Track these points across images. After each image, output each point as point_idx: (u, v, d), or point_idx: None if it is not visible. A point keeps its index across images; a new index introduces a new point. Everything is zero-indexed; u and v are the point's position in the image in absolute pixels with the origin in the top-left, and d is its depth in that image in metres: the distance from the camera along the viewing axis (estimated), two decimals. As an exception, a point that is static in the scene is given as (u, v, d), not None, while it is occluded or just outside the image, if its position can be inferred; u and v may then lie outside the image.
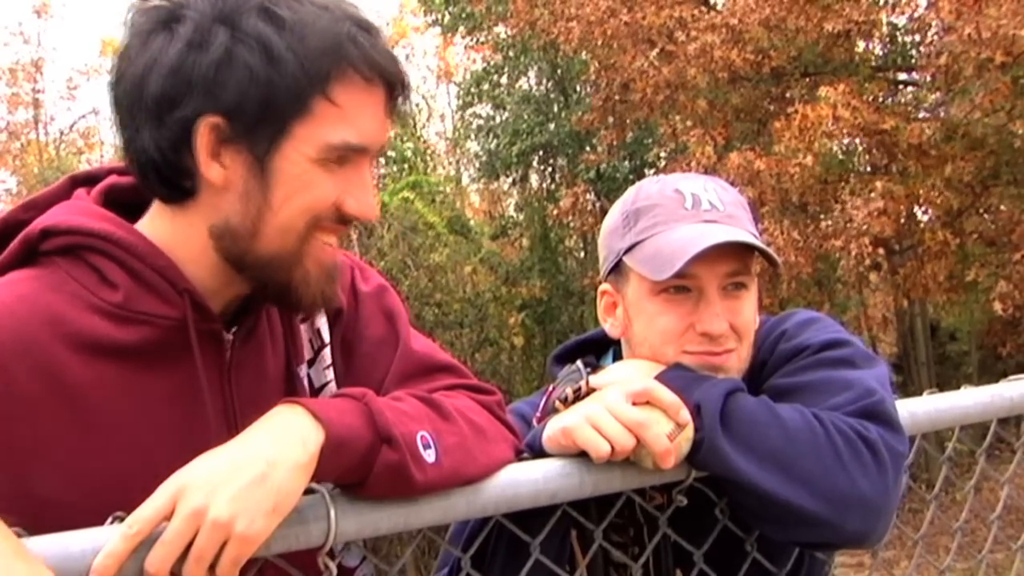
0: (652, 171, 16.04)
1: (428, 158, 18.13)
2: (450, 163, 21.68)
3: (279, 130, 1.22)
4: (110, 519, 1.06)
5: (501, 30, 17.19)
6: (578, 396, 1.52)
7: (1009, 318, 11.88)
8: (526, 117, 17.50)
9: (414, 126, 17.59)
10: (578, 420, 1.38)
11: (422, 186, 14.78)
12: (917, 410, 1.70)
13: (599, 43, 12.54)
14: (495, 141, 18.17)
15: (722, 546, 1.53)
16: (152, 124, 1.23)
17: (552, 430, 1.41)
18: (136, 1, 1.27)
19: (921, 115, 12.87)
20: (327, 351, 1.44)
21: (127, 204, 1.34)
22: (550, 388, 1.64)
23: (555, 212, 15.25)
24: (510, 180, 19.24)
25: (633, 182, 1.85)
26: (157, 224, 1.31)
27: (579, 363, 1.63)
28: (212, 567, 1.05)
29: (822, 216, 12.24)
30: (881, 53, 13.60)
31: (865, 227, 10.43)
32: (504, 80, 18.62)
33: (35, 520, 1.03)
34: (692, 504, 1.49)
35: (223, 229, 1.26)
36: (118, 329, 1.24)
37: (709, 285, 1.54)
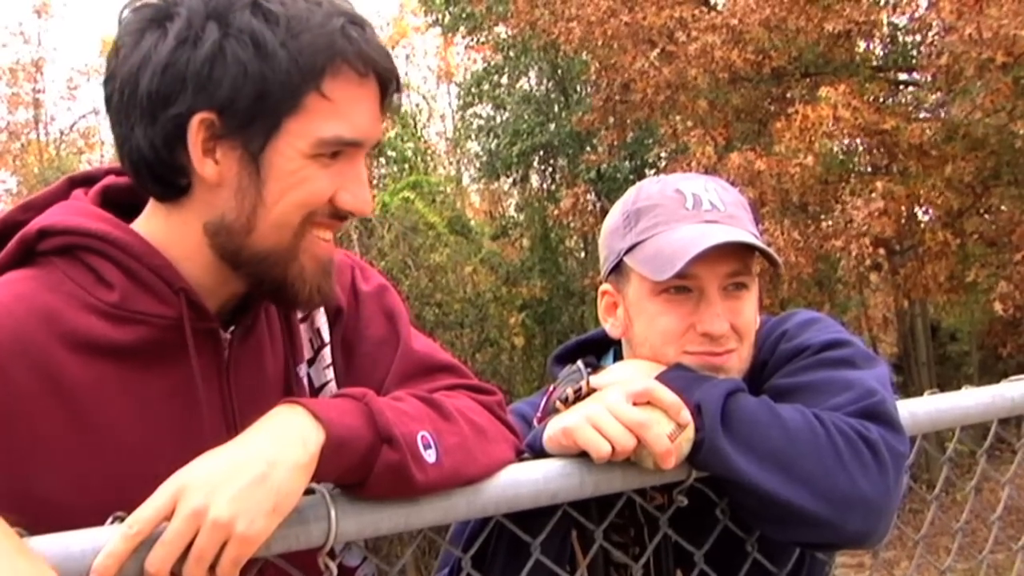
0: (653, 171, 16.05)
1: (428, 158, 18.12)
2: (451, 163, 21.69)
3: (272, 125, 1.22)
4: (110, 519, 1.05)
5: (502, 30, 17.20)
6: (579, 396, 1.52)
7: (1010, 318, 11.88)
8: (526, 117, 17.51)
9: (415, 126, 17.59)
10: (579, 420, 1.38)
11: (423, 186, 14.78)
12: (918, 410, 1.70)
13: (600, 43, 12.55)
14: (495, 141, 18.17)
15: (723, 546, 1.53)
16: (145, 122, 1.23)
17: (553, 430, 1.41)
18: None
19: (922, 115, 12.87)
20: (327, 350, 1.44)
21: (125, 204, 1.34)
22: (551, 388, 1.64)
23: (555, 212, 15.25)
24: (511, 180, 19.25)
25: (633, 182, 1.85)
26: (152, 223, 1.31)
27: (580, 363, 1.63)
28: (212, 567, 1.05)
29: (823, 216, 12.24)
30: (882, 53, 13.61)
31: (866, 227, 10.43)
32: (504, 80, 18.62)
33: (34, 520, 1.03)
34: (693, 504, 1.49)
35: (218, 226, 1.26)
36: (115, 329, 1.24)
37: (710, 285, 1.54)
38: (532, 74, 18.46)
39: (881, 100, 12.64)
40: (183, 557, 1.04)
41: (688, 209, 1.57)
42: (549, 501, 1.37)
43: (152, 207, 1.32)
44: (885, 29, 12.75)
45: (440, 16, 18.40)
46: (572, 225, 16.02)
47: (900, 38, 13.35)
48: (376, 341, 1.44)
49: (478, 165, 19.59)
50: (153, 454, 1.22)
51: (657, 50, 12.09)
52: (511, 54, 17.94)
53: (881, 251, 12.38)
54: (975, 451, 2.01)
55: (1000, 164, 11.51)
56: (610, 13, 12.13)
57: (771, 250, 1.58)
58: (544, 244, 17.01)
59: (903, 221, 12.18)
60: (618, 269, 1.63)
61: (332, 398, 1.25)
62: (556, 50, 15.33)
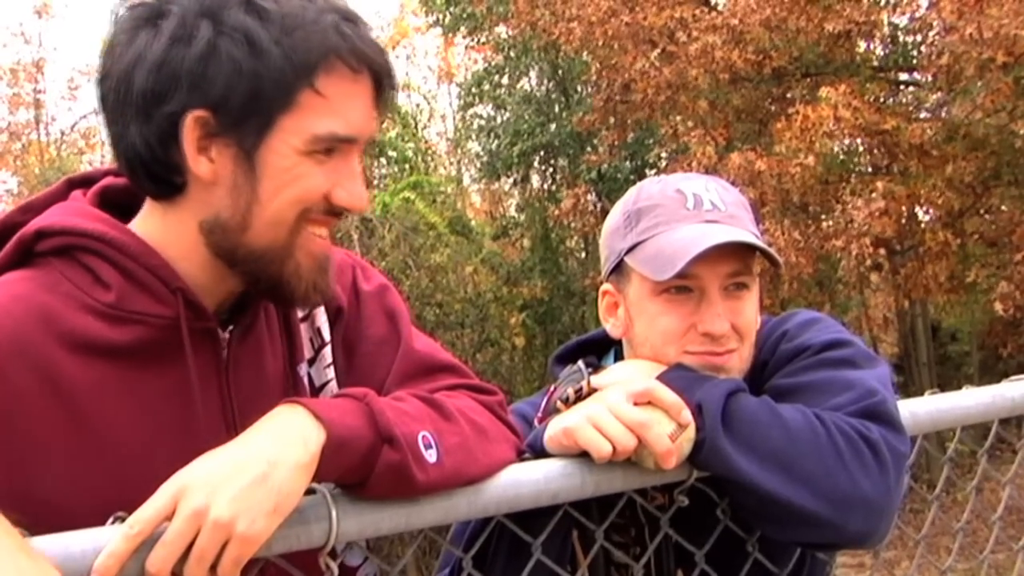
0: (653, 171, 16.04)
1: (429, 158, 18.10)
2: (451, 163, 21.67)
3: (266, 123, 1.22)
4: (111, 519, 1.06)
5: (502, 30, 17.19)
6: (579, 396, 1.52)
7: (1010, 319, 11.87)
8: (527, 118, 17.49)
9: (415, 126, 17.58)
10: (579, 420, 1.38)
11: (423, 186, 14.76)
12: (918, 410, 1.70)
13: (600, 44, 12.53)
14: (496, 141, 18.15)
15: (723, 546, 1.53)
16: (140, 120, 1.23)
17: (554, 430, 1.41)
18: None
19: (922, 115, 12.86)
20: (328, 350, 1.44)
21: (123, 205, 1.34)
22: (551, 388, 1.64)
23: (556, 213, 15.24)
24: (511, 180, 19.23)
25: (634, 183, 1.85)
26: (149, 222, 1.31)
27: (580, 363, 1.63)
28: (213, 567, 1.05)
29: (823, 216, 12.24)
30: (882, 53, 13.59)
31: (866, 227, 10.42)
32: (505, 80, 18.61)
33: (34, 521, 1.03)
34: (694, 504, 1.49)
35: (213, 224, 1.26)
36: (112, 329, 1.24)
37: (711, 285, 1.54)
38: (533, 74, 18.44)
39: (882, 100, 12.63)
40: (184, 557, 1.04)
41: (689, 209, 1.57)
42: (550, 501, 1.37)
43: (148, 207, 1.32)
44: (886, 29, 12.74)
45: (441, 16, 18.38)
46: (573, 225, 16.01)
47: (901, 38, 13.34)
48: (377, 341, 1.44)
49: (479, 165, 19.58)
50: (152, 454, 1.22)
51: (658, 50, 12.09)
52: (512, 54, 17.92)
53: (882, 251, 12.37)
54: (976, 451, 2.00)
55: (1000, 164, 11.50)
56: (611, 13, 12.12)
57: (772, 250, 1.58)
58: (545, 244, 17.00)
59: (904, 221, 12.17)
60: (619, 269, 1.63)
61: (333, 398, 1.25)
62: (557, 50, 15.33)
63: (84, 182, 1.39)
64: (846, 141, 12.56)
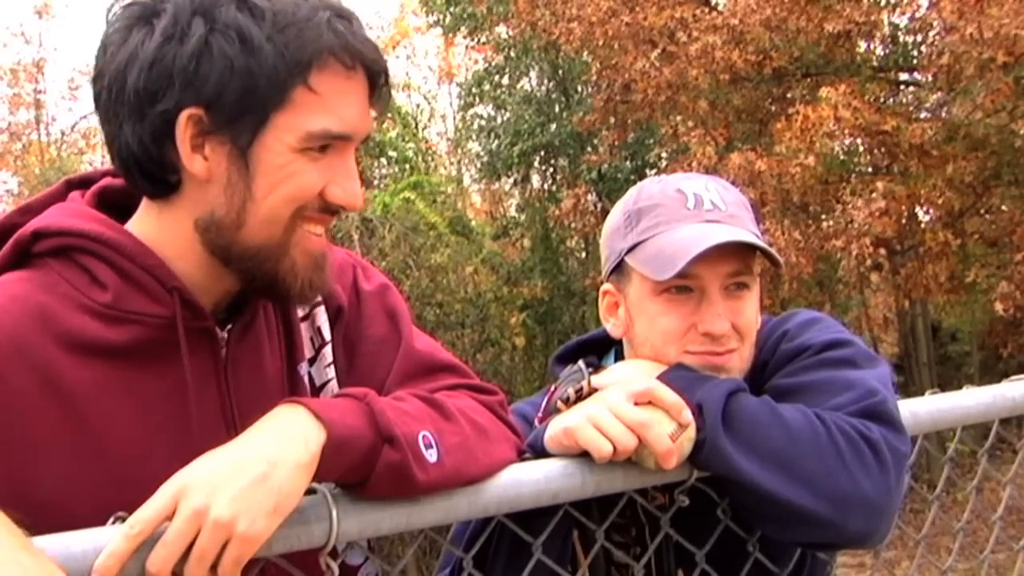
0: (653, 171, 16.03)
1: (429, 158, 18.09)
2: (451, 163, 21.66)
3: (260, 120, 1.22)
4: (112, 519, 1.06)
5: (502, 30, 17.18)
6: (580, 396, 1.52)
7: (1010, 319, 11.86)
8: (527, 118, 17.48)
9: (416, 126, 17.57)
10: (580, 420, 1.38)
11: (423, 186, 14.75)
12: (919, 410, 1.70)
13: (600, 44, 12.53)
14: (496, 141, 18.14)
15: (724, 546, 1.53)
16: (134, 119, 1.23)
17: (554, 430, 1.41)
18: None
19: (922, 115, 12.86)
20: (328, 349, 1.44)
21: (121, 206, 1.35)
22: (552, 388, 1.64)
23: (556, 213, 15.24)
24: (511, 180, 19.22)
25: (634, 183, 1.85)
26: (145, 222, 1.31)
27: (581, 363, 1.63)
28: (214, 567, 1.05)
29: (823, 216, 12.23)
30: (882, 53, 13.58)
31: (866, 227, 10.42)
32: (505, 81, 18.60)
33: (34, 521, 1.03)
34: (694, 504, 1.49)
35: (208, 222, 1.26)
36: (108, 329, 1.24)
37: (711, 285, 1.54)
38: (533, 74, 18.43)
39: (882, 100, 12.62)
40: (184, 557, 1.04)
41: (689, 209, 1.57)
42: (550, 501, 1.37)
43: (144, 206, 1.32)
44: (886, 29, 12.73)
45: (441, 16, 18.38)
46: (573, 225, 16.00)
47: (901, 38, 13.33)
48: (378, 340, 1.44)
49: (479, 165, 19.57)
50: (151, 454, 1.22)
51: (658, 50, 12.08)
52: (512, 54, 17.91)
53: (882, 251, 12.37)
54: (976, 451, 2.00)
55: (1001, 164, 11.49)
56: (611, 13, 12.12)
57: (772, 250, 1.58)
58: (545, 244, 16.99)
59: (904, 221, 12.16)
60: (619, 269, 1.63)
61: (333, 398, 1.25)
62: (557, 50, 15.32)
63: (82, 183, 1.39)
64: (846, 141, 12.55)
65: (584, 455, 1.38)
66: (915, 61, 13.04)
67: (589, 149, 15.77)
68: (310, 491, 1.14)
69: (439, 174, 18.44)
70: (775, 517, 1.43)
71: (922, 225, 12.93)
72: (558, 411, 1.50)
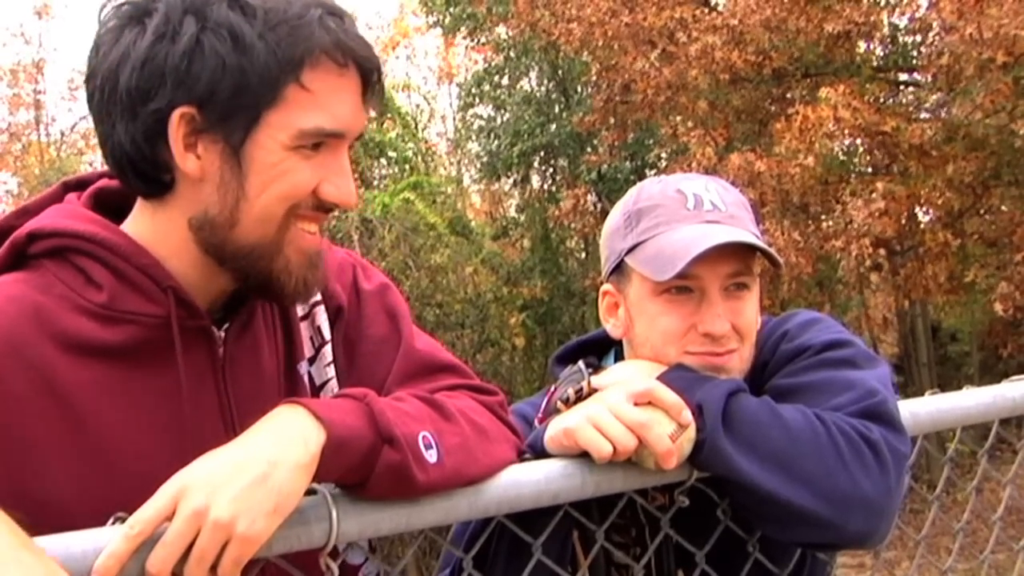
0: (653, 172, 16.03)
1: (429, 159, 18.08)
2: (451, 164, 21.66)
3: (252, 118, 1.22)
4: (112, 519, 1.06)
5: (502, 31, 17.18)
6: (580, 396, 1.52)
7: (1010, 319, 11.87)
8: (527, 118, 17.49)
9: (415, 127, 17.58)
10: (580, 420, 1.38)
11: (423, 187, 14.75)
12: (919, 410, 1.70)
13: (600, 44, 12.53)
14: (496, 142, 18.15)
15: (724, 547, 1.53)
16: (127, 118, 1.24)
17: (554, 431, 1.41)
18: None
19: (922, 116, 12.86)
20: (328, 348, 1.44)
21: (117, 207, 1.35)
22: (552, 389, 1.64)
23: (556, 213, 15.25)
24: (511, 181, 19.22)
25: (634, 183, 1.85)
26: (140, 222, 1.31)
27: (581, 364, 1.63)
28: (214, 568, 1.05)
29: (823, 217, 12.24)
30: (882, 54, 13.58)
31: (866, 228, 10.42)
32: (505, 81, 18.60)
33: (34, 521, 1.03)
34: (694, 505, 1.49)
35: (202, 220, 1.26)
36: (104, 329, 1.24)
37: (711, 285, 1.54)
38: (533, 75, 18.44)
39: (881, 100, 12.62)
40: (184, 557, 1.04)
41: (689, 209, 1.57)
42: (550, 501, 1.37)
43: (139, 206, 1.32)
44: (885, 29, 12.73)
45: (441, 17, 18.38)
46: (573, 226, 16.00)
47: (900, 38, 13.34)
48: (378, 340, 1.44)
49: (479, 166, 19.57)
50: (149, 454, 1.22)
51: (658, 51, 12.08)
52: (512, 55, 17.92)
53: (881, 251, 12.37)
54: (976, 451, 2.01)
55: (1000, 164, 11.49)
56: (610, 14, 12.12)
57: (772, 250, 1.58)
58: (545, 245, 17.00)
59: (903, 221, 12.15)
60: (619, 269, 1.63)
61: (333, 398, 1.25)
62: (557, 51, 15.32)
63: (79, 185, 1.40)
64: (846, 141, 12.55)
65: (584, 455, 1.38)
66: (915, 61, 13.04)
67: (589, 149, 15.77)
68: (310, 491, 1.14)
69: (439, 174, 18.44)
70: (775, 517, 1.43)
71: (922, 225, 12.93)
72: (558, 411, 1.50)
